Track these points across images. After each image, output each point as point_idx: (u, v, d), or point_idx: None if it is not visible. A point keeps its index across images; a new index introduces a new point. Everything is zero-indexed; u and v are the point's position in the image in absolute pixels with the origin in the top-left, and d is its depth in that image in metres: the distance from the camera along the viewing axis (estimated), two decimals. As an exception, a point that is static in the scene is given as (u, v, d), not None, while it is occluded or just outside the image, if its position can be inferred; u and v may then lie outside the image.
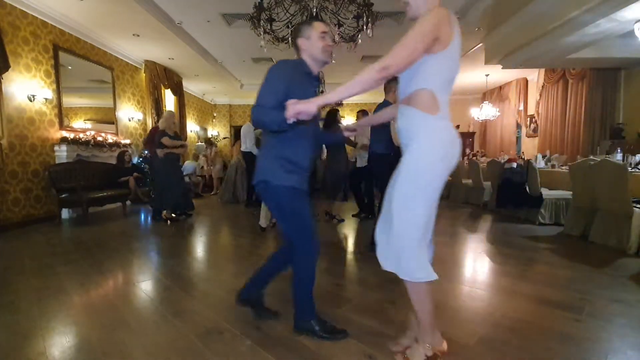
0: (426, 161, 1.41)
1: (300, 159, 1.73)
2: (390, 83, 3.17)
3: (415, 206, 1.42)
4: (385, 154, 3.27)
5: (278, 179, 1.69)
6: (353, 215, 5.20)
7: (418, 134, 1.43)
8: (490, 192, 5.76)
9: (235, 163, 7.08)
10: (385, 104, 3.19)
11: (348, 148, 5.21)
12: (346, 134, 2.14)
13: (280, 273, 1.94)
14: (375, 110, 3.03)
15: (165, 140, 4.82)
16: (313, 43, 1.73)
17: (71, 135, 5.42)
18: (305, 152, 1.76)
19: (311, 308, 1.79)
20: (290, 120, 1.48)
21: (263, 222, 4.06)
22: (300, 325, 1.80)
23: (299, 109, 1.44)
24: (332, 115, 4.77)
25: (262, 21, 4.07)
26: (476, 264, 3.05)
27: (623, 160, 4.25)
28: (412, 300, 1.51)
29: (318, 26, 1.74)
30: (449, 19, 1.36)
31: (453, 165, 1.47)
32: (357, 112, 5.43)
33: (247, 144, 5.83)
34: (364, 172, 4.99)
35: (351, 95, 1.41)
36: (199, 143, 10.48)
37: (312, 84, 1.77)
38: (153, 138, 5.12)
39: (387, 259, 1.51)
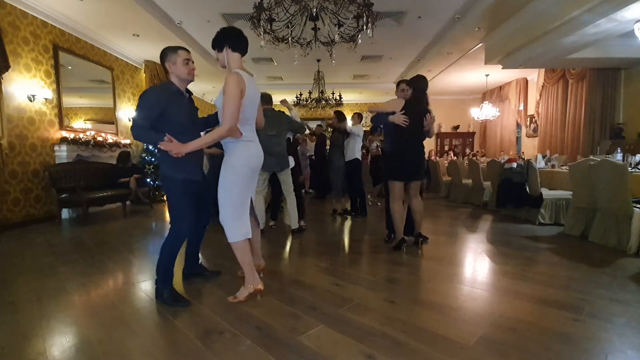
0: (233, 164, 2.11)
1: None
2: (400, 85, 3.41)
3: (228, 190, 2.10)
4: (390, 151, 3.37)
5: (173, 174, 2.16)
6: (345, 212, 5.28)
7: (228, 149, 2.13)
8: (490, 192, 5.75)
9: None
10: None
11: None
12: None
13: (201, 241, 2.60)
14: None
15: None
16: (178, 67, 2.14)
17: (71, 135, 5.42)
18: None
19: (166, 279, 2.19)
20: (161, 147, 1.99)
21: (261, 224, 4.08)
22: (157, 293, 2.20)
23: (170, 148, 1.97)
24: (338, 115, 5.03)
25: (262, 21, 4.07)
26: (476, 264, 3.05)
27: (623, 160, 4.25)
28: (236, 256, 2.17)
29: (182, 53, 2.15)
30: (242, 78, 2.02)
31: (254, 166, 2.17)
32: (353, 114, 5.59)
33: None
34: (348, 167, 5.00)
35: (207, 145, 2.08)
36: None
37: (182, 99, 2.21)
38: None
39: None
